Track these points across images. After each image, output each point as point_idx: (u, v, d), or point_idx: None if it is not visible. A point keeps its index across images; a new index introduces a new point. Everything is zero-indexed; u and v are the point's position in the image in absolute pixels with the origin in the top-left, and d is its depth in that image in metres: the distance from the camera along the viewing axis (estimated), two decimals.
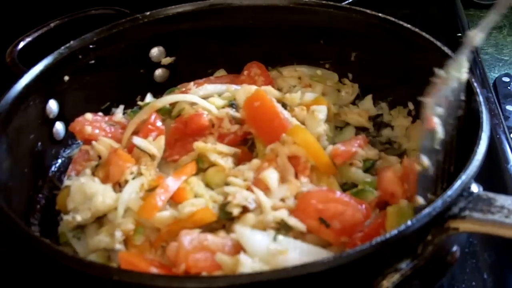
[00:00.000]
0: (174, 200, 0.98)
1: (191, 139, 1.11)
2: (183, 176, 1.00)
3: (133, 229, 0.93)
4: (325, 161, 1.05)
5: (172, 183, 0.98)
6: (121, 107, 1.30)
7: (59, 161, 1.21)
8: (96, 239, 0.95)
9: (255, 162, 1.05)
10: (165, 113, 1.19)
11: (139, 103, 1.29)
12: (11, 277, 1.05)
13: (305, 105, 1.17)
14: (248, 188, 0.98)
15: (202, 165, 1.07)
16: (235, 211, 0.93)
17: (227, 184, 1.01)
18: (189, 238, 0.86)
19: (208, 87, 1.26)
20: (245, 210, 0.94)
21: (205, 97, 1.21)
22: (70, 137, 1.22)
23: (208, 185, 1.04)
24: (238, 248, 0.85)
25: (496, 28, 2.17)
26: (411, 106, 1.22)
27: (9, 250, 1.02)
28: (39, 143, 1.14)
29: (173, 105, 1.20)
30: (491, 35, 2.13)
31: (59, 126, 1.20)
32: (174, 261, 0.85)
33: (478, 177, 0.84)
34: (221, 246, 0.85)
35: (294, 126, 1.08)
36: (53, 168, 1.19)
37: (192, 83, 1.28)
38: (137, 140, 1.09)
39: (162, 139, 1.10)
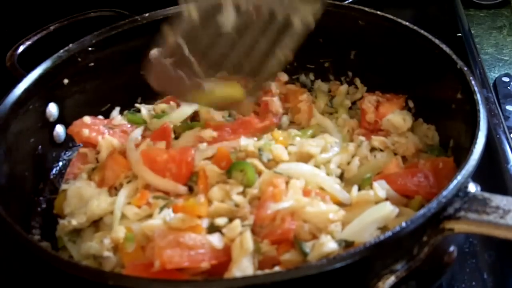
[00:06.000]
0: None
1: None
2: None
3: (123, 237, 0.92)
4: None
5: None
6: (117, 109, 1.30)
7: (60, 164, 1.21)
8: (87, 245, 0.95)
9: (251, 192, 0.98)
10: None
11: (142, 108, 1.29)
12: (10, 280, 1.06)
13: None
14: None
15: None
16: (221, 222, 0.90)
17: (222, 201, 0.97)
18: (163, 234, 0.86)
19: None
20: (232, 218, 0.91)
21: None
22: (71, 140, 1.23)
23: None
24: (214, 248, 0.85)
25: (496, 28, 2.15)
26: (410, 104, 1.21)
27: (8, 253, 1.03)
28: (40, 147, 1.15)
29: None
30: (491, 35, 2.11)
31: (59, 129, 1.20)
32: (152, 260, 0.84)
33: (478, 178, 0.83)
34: (199, 243, 0.85)
35: None
36: (54, 171, 1.19)
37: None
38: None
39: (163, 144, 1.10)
